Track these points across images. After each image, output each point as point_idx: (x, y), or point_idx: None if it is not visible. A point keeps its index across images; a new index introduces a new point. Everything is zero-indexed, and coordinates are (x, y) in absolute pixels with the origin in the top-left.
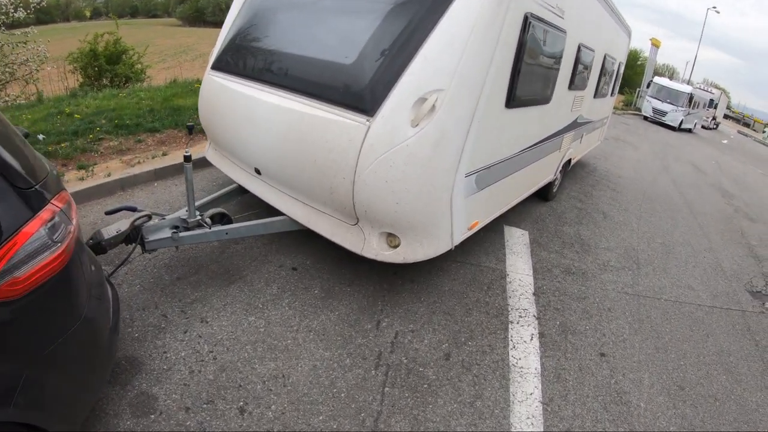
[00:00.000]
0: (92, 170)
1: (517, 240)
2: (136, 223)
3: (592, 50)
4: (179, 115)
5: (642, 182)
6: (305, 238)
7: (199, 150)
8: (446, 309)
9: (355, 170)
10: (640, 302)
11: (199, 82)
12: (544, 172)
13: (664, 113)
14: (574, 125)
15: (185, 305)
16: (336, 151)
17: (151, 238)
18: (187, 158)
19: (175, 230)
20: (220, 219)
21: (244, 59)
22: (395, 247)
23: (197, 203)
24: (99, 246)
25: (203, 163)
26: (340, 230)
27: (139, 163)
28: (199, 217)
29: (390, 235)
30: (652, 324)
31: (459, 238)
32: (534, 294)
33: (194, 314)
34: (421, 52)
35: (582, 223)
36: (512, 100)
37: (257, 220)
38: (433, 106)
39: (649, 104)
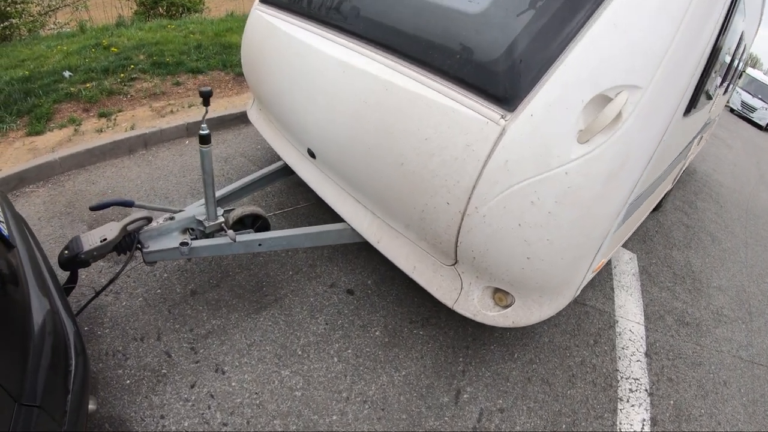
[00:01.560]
0: (115, 120)
1: (625, 267)
2: (130, 228)
3: (743, 38)
4: (229, 54)
5: (742, 194)
6: (369, 244)
7: (240, 102)
8: (545, 374)
9: (469, 196)
10: (755, 372)
11: None
12: (667, 183)
13: (753, 109)
14: (703, 126)
15: (197, 339)
16: (441, 156)
17: (152, 247)
18: (204, 139)
19: (187, 239)
20: (253, 222)
21: None
22: (505, 307)
23: (223, 191)
24: (76, 260)
25: (246, 117)
26: (426, 268)
27: (171, 112)
28: (221, 221)
29: (500, 291)
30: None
31: (583, 284)
32: (646, 355)
33: (207, 356)
34: (606, 13)
35: (691, 247)
36: (693, 105)
37: (306, 227)
38: (620, 113)
39: (738, 96)
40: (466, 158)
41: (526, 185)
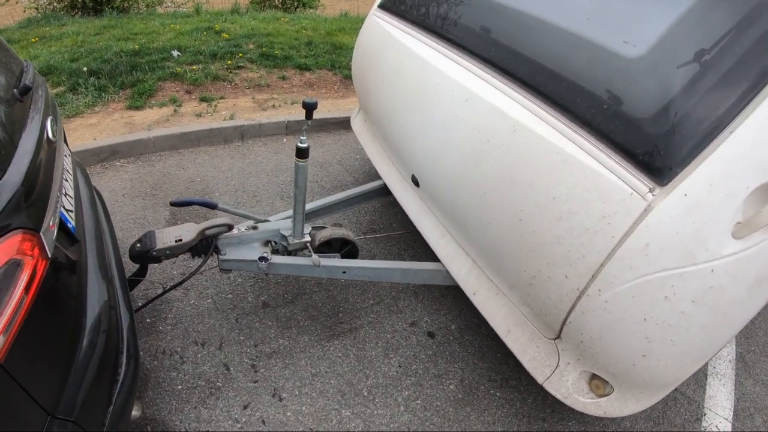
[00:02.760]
0: (215, 106)
1: (722, 351)
2: (208, 232)
3: None
4: (339, 54)
5: None
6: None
7: (345, 106)
8: None
9: (594, 275)
10: None
11: None
12: None
13: None
14: None
15: (260, 356)
16: (569, 222)
17: (230, 255)
18: (302, 152)
19: (267, 253)
20: (341, 246)
21: (436, 3)
22: (600, 396)
23: (314, 205)
24: (147, 256)
25: (348, 124)
26: (522, 334)
27: (273, 107)
28: (307, 240)
29: (598, 378)
30: None
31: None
32: None
33: (267, 377)
34: None
35: None
36: None
37: (395, 262)
38: None
39: None
40: (599, 231)
41: (664, 277)
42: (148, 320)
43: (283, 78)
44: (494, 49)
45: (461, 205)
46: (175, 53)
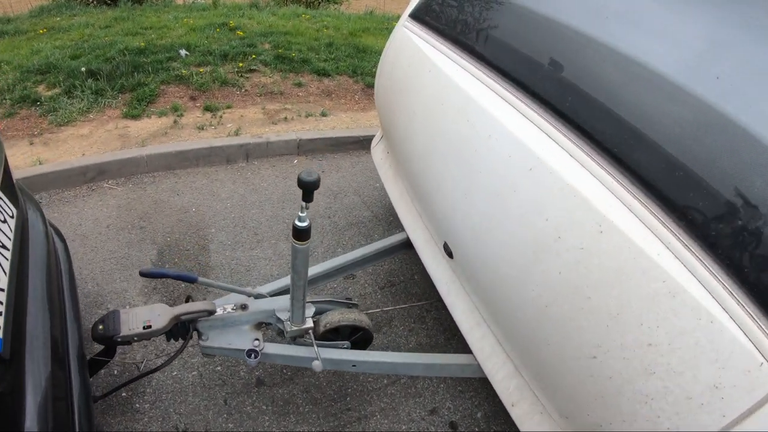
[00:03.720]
0: (220, 117)
1: None
2: (184, 318)
3: None
4: (362, 59)
5: None
6: None
7: (365, 121)
8: None
9: None
10: None
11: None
12: None
13: None
14: None
15: None
16: (664, 382)
17: (213, 341)
18: (301, 234)
19: (259, 338)
20: (351, 333)
21: (497, 20)
22: None
23: (320, 268)
24: (111, 341)
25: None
26: None
27: (284, 119)
28: (308, 326)
29: None
30: None
31: None
32: None
33: None
34: None
35: None
36: None
37: (417, 354)
38: None
39: None
40: (704, 404)
41: None
42: (123, 394)
43: (299, 84)
44: (577, 102)
45: (509, 306)
46: (183, 52)
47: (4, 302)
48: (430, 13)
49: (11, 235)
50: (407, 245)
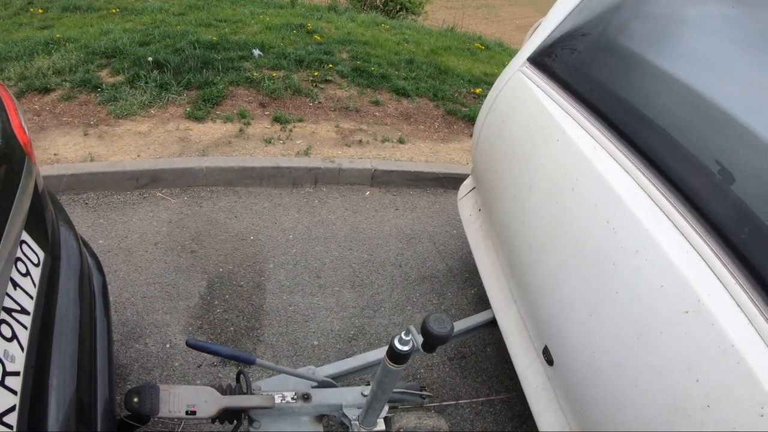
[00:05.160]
0: (290, 131)
1: None
2: (233, 408)
3: None
4: (443, 81)
5: None
6: None
7: (445, 153)
8: None
9: None
10: None
11: (482, 41)
12: None
13: None
14: None
15: None
16: None
17: (265, 428)
18: (398, 358)
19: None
20: None
21: (657, 95)
22: None
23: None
24: (144, 417)
25: (450, 182)
26: None
27: (359, 142)
28: (380, 428)
29: None
30: None
31: None
32: None
33: None
34: None
35: None
36: None
37: None
38: None
39: None
40: None
41: None
42: None
43: (376, 103)
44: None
45: None
46: (257, 53)
47: (19, 391)
48: (560, 61)
49: (35, 293)
50: (490, 324)
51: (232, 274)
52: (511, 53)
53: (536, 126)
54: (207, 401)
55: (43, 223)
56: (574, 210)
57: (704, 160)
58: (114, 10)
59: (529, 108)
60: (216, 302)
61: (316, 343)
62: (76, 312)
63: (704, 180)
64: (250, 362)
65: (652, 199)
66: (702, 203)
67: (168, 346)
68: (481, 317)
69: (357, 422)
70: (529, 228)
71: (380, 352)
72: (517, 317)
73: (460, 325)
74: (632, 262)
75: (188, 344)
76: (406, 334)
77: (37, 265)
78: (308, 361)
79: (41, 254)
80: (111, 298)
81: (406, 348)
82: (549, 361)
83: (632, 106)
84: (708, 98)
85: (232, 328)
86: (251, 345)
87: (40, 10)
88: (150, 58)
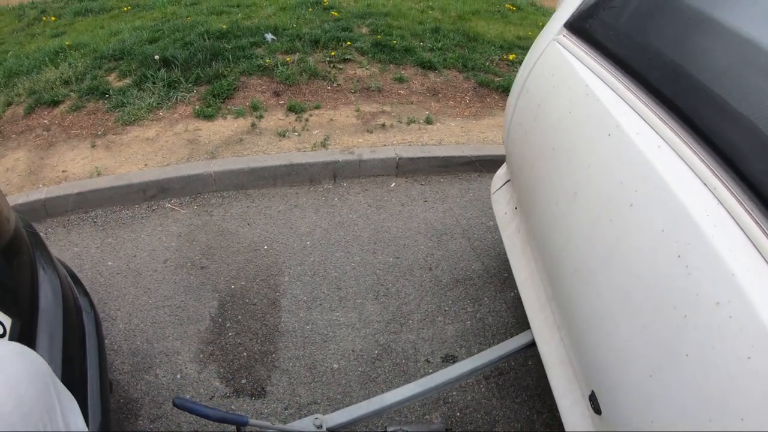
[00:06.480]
0: (306, 120)
1: None
2: None
3: None
4: (473, 50)
5: None
6: None
7: (478, 132)
8: None
9: None
10: None
11: (512, 1)
12: None
13: None
14: None
15: None
16: None
17: None
18: None
19: None
20: None
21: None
22: None
23: (412, 391)
24: None
25: (485, 166)
26: None
27: (382, 126)
28: None
29: None
30: None
31: None
32: None
33: None
34: None
35: None
36: None
37: None
38: None
39: None
40: None
41: None
42: None
43: (400, 80)
44: None
45: None
46: (269, 37)
47: None
48: (608, 27)
49: None
50: (531, 346)
51: (245, 290)
52: (546, 12)
53: (580, 114)
54: None
55: (8, 282)
56: (633, 234)
57: None
58: (126, 8)
59: (570, 89)
60: (228, 324)
61: (336, 366)
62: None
63: None
64: (243, 424)
65: (742, 229)
66: None
67: (179, 376)
68: (518, 341)
69: None
70: (575, 247)
71: (399, 393)
72: (560, 346)
73: (494, 353)
74: (711, 318)
75: (174, 404)
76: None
77: (2, 336)
78: (327, 388)
79: (6, 320)
80: (121, 325)
81: None
82: (596, 409)
83: (711, 89)
84: None
85: (245, 354)
86: (265, 372)
87: (53, 18)
88: (156, 56)
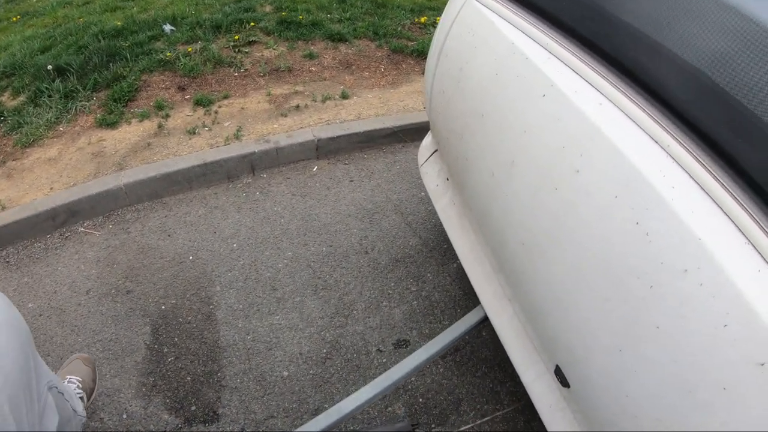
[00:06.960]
0: (215, 114)
1: None
2: None
3: None
4: (383, 16)
5: None
6: None
7: (396, 100)
8: None
9: None
10: None
11: None
12: None
13: None
14: None
15: None
16: None
17: None
18: None
19: None
20: None
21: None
22: None
23: (365, 394)
24: None
25: (407, 135)
26: None
27: (296, 108)
28: None
29: None
30: None
31: None
32: None
33: None
34: None
35: None
36: None
37: None
38: None
39: None
40: None
41: None
42: None
43: (310, 56)
44: None
45: None
46: (168, 28)
47: None
48: None
49: None
50: (485, 320)
51: (177, 309)
52: None
53: (509, 75)
54: None
55: None
56: (583, 203)
57: None
58: (15, 18)
59: (494, 50)
60: (165, 349)
61: (285, 373)
62: None
63: None
64: None
65: (703, 189)
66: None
67: (125, 416)
68: (470, 319)
69: None
70: (518, 221)
71: (356, 399)
72: (514, 319)
73: (447, 336)
74: (680, 287)
75: None
76: None
77: None
78: (281, 399)
79: None
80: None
81: None
82: (564, 383)
83: (654, 38)
84: None
85: (189, 378)
86: (214, 394)
87: None
88: (50, 66)
